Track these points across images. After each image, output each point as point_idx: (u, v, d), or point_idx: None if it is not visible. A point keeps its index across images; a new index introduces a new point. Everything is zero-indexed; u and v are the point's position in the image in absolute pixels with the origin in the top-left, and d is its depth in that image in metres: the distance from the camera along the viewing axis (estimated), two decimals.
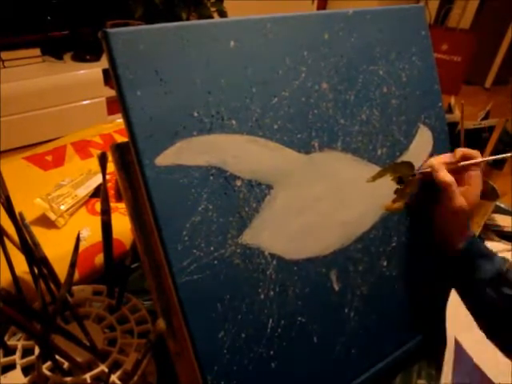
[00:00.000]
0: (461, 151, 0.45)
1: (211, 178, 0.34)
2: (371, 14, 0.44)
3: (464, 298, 0.44)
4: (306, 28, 0.39)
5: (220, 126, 0.34)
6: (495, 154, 0.83)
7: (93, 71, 1.85)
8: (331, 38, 0.41)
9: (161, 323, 0.33)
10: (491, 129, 0.74)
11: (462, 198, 0.43)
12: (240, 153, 0.35)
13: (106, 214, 0.42)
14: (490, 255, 0.44)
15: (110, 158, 0.37)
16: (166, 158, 0.32)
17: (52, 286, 0.43)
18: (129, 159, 0.33)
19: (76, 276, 0.52)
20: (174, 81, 0.32)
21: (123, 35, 0.30)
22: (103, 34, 0.29)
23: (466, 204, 0.43)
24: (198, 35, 0.33)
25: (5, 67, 1.73)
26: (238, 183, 0.35)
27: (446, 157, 0.46)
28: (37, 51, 1.82)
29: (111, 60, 0.30)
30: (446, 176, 0.43)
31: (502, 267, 0.42)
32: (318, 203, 0.40)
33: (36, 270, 0.41)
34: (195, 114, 0.33)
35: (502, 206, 0.78)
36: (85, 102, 1.87)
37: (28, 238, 0.39)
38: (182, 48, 0.32)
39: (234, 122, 0.35)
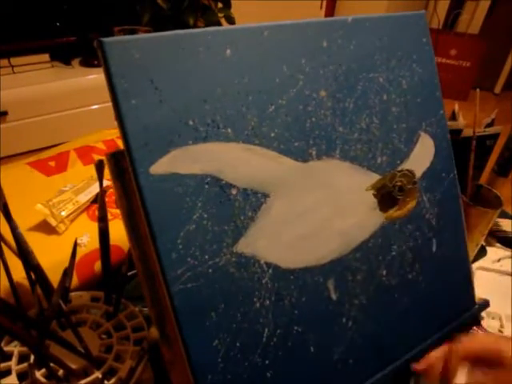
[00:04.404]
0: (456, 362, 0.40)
1: (206, 186, 0.34)
2: (371, 21, 0.44)
3: None
4: (304, 36, 0.39)
5: (216, 134, 0.34)
6: (501, 162, 0.83)
7: (101, 76, 1.86)
8: (330, 45, 0.41)
9: (153, 331, 0.33)
10: (496, 136, 0.73)
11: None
12: (236, 161, 0.35)
13: (103, 221, 0.42)
14: None
15: None
16: (160, 167, 0.32)
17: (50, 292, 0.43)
18: (124, 167, 0.33)
19: (76, 282, 0.52)
20: (170, 89, 0.32)
21: (118, 44, 0.30)
22: (98, 43, 0.29)
23: None
24: (194, 44, 0.33)
25: (14, 73, 1.76)
26: (234, 192, 0.35)
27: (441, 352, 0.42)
28: (46, 57, 1.84)
29: (106, 69, 0.30)
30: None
31: None
32: (315, 212, 0.40)
33: (33, 276, 0.41)
34: (190, 123, 0.33)
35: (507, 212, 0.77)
36: (93, 107, 1.89)
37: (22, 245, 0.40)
38: (177, 56, 0.32)
39: (229, 130, 0.35)
